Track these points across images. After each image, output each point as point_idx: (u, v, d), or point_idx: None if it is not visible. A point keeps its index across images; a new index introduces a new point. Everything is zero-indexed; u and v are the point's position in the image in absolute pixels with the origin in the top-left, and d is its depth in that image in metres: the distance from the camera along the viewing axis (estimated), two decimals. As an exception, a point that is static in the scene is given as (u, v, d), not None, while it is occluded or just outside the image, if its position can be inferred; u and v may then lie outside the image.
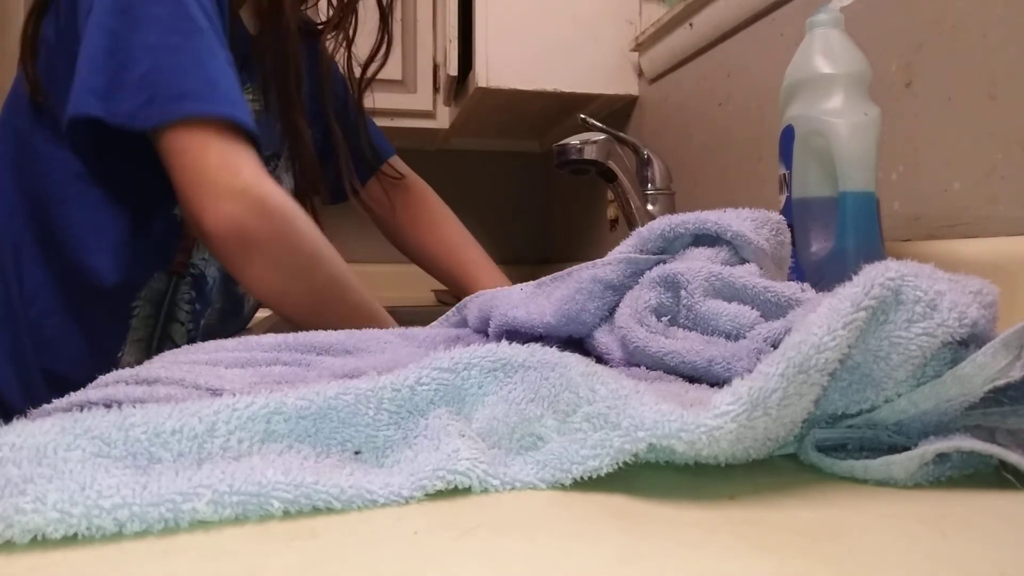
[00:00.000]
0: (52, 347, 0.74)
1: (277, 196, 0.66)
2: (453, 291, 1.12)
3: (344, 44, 0.99)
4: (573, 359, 0.32)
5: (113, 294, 0.75)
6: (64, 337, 0.74)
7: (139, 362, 0.77)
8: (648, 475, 0.29)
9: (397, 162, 1.13)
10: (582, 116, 1.10)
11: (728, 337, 0.40)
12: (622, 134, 1.06)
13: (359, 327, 0.63)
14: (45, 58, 0.73)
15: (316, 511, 0.25)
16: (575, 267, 0.50)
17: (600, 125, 1.07)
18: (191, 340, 0.81)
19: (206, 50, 0.66)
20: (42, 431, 0.26)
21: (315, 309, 0.70)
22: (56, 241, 0.73)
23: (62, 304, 0.74)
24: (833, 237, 0.55)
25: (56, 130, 0.71)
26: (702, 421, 0.26)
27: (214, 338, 0.87)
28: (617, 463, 0.27)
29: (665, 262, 0.46)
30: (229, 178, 0.64)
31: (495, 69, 1.38)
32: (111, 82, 0.64)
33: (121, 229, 0.74)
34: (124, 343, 0.77)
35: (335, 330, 0.59)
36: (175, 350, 0.49)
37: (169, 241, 0.78)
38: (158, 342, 0.80)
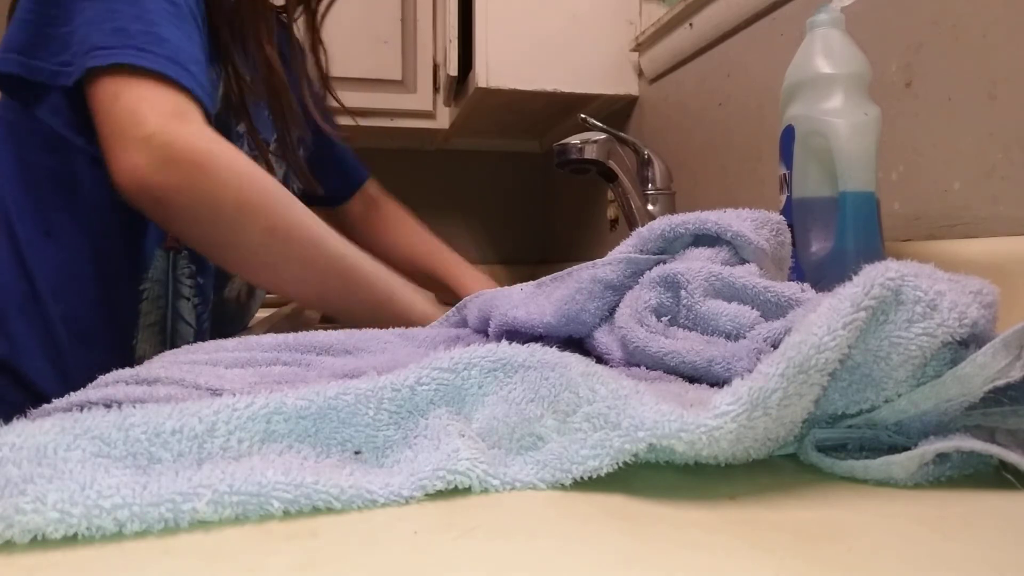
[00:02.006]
0: (82, 340, 0.73)
1: (189, 141, 0.60)
2: (432, 284, 1.11)
3: (309, 24, 0.96)
4: (573, 359, 0.32)
5: (124, 277, 0.75)
6: (89, 330, 0.74)
7: (154, 349, 0.77)
8: (648, 475, 0.29)
9: (372, 185, 1.13)
10: (582, 115, 1.10)
11: (728, 337, 0.40)
12: (622, 134, 1.06)
13: (329, 278, 0.63)
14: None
15: (316, 511, 0.25)
16: (575, 267, 0.50)
17: (600, 125, 1.07)
18: (199, 317, 0.81)
19: (126, 0, 0.63)
20: (42, 431, 0.26)
21: (266, 265, 0.66)
22: (65, 229, 0.72)
23: (85, 298, 0.73)
24: (833, 237, 0.55)
25: (57, 112, 0.70)
26: (702, 421, 0.26)
27: (230, 314, 0.87)
28: (617, 463, 0.27)
29: (665, 262, 0.46)
30: (133, 126, 0.60)
31: (495, 69, 1.38)
32: (37, 36, 0.63)
33: (117, 209, 0.72)
34: (137, 329, 0.77)
35: (302, 287, 0.59)
36: (175, 350, 0.49)
37: None
38: (171, 323, 0.79)
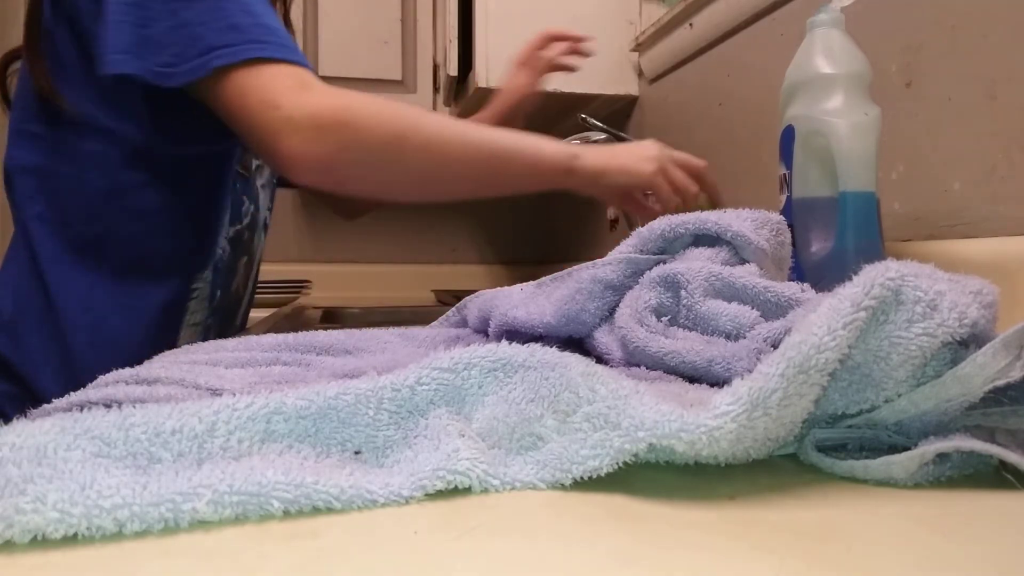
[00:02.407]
0: (111, 349, 0.72)
1: (325, 104, 0.64)
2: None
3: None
4: (573, 359, 0.32)
5: (172, 280, 0.75)
6: (123, 337, 0.73)
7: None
8: (648, 475, 0.29)
9: None
10: (582, 115, 1.10)
11: (728, 337, 0.40)
12: (622, 134, 1.06)
13: (487, 161, 0.68)
14: (53, 53, 0.71)
15: (316, 511, 0.25)
16: (575, 267, 0.50)
17: (600, 125, 1.07)
18: (204, 318, 0.81)
19: None
20: (42, 431, 0.26)
21: (434, 178, 0.71)
22: (103, 241, 0.72)
23: (118, 305, 0.73)
24: (833, 237, 0.55)
25: (83, 125, 0.70)
26: (702, 421, 0.26)
27: (232, 308, 0.87)
28: (617, 463, 0.27)
29: (665, 262, 0.46)
30: (272, 113, 0.63)
31: (495, 69, 1.38)
32: (138, 37, 0.63)
33: (173, 210, 0.74)
34: (181, 327, 0.77)
35: (467, 183, 0.67)
36: (175, 350, 0.49)
37: (220, 211, 0.78)
38: (213, 320, 0.80)
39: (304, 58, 0.67)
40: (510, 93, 1.07)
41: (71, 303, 0.72)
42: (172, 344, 0.75)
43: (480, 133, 0.72)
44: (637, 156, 0.77)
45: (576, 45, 1.09)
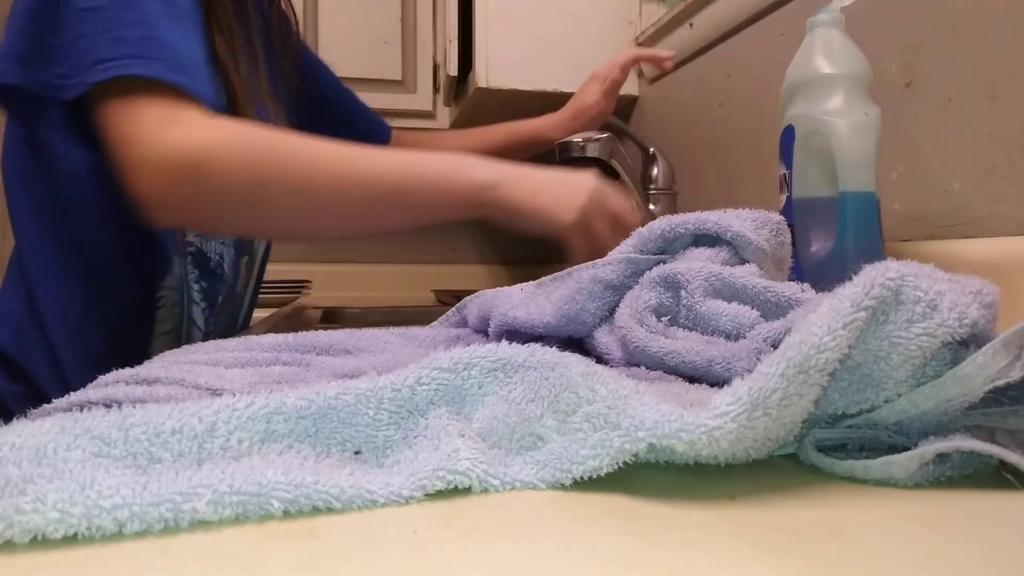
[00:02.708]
0: (89, 356, 0.72)
1: (182, 144, 0.59)
2: (520, 144, 1.09)
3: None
4: (573, 359, 0.32)
5: (141, 286, 0.74)
6: (97, 346, 0.73)
7: None
8: (648, 475, 0.29)
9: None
10: None
11: (728, 337, 0.40)
12: (629, 128, 1.07)
13: (371, 203, 0.61)
14: None
15: (316, 511, 0.25)
16: (575, 267, 0.50)
17: (619, 121, 1.08)
18: (207, 320, 0.80)
19: (124, 4, 0.61)
20: (42, 431, 0.26)
21: (306, 223, 0.65)
22: (75, 248, 0.71)
23: (91, 314, 0.72)
24: (833, 237, 0.55)
25: (53, 128, 0.69)
26: (702, 421, 0.26)
27: (236, 308, 0.86)
28: (617, 463, 0.27)
29: (665, 262, 0.46)
30: (128, 151, 0.59)
31: (495, 69, 1.38)
32: (36, 47, 0.61)
33: (125, 219, 0.71)
34: (152, 338, 0.76)
35: (351, 223, 0.60)
36: (175, 350, 0.49)
37: None
38: (186, 328, 0.78)
39: (200, 80, 0.63)
40: (583, 114, 1.05)
41: (55, 309, 0.71)
42: (143, 353, 0.74)
43: (371, 167, 0.64)
44: (563, 201, 0.67)
45: (662, 64, 1.07)
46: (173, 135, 0.59)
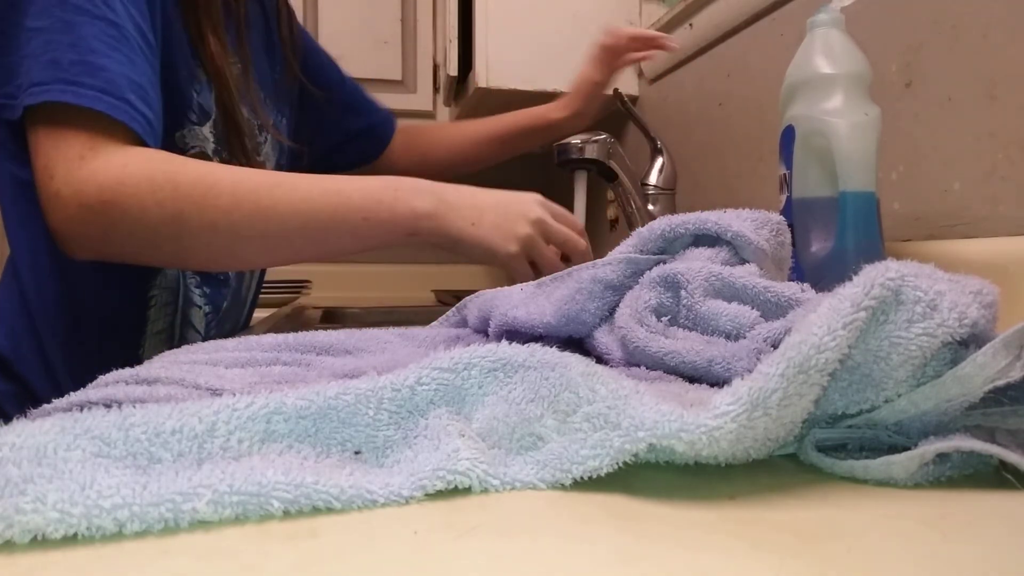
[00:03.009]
0: (83, 356, 0.72)
1: (95, 181, 0.58)
2: (531, 134, 1.08)
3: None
4: (573, 359, 0.32)
5: (130, 286, 0.74)
6: (89, 348, 0.73)
7: None
8: (648, 475, 0.29)
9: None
10: (616, 88, 1.12)
11: (728, 337, 0.40)
12: (640, 115, 1.08)
13: (294, 233, 0.60)
14: None
15: (316, 511, 0.25)
16: (575, 267, 0.50)
17: (628, 104, 1.09)
18: (208, 324, 0.80)
19: (62, 26, 0.59)
20: (42, 431, 0.26)
21: (229, 255, 0.64)
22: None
23: (83, 313, 0.73)
24: (833, 237, 0.55)
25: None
26: (702, 421, 0.26)
27: (239, 309, 0.86)
28: (617, 463, 0.27)
29: (665, 262, 0.46)
30: (45, 185, 0.59)
31: (495, 69, 1.38)
32: None
33: None
34: (144, 337, 0.76)
35: (276, 254, 0.59)
36: (175, 350, 0.49)
37: None
38: (180, 330, 0.78)
39: (128, 107, 0.61)
40: (582, 88, 1.04)
41: (45, 310, 0.71)
42: (134, 353, 0.74)
43: (296, 198, 0.63)
44: (504, 230, 0.66)
45: (661, 42, 1.05)
46: (90, 170, 0.58)
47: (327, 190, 0.64)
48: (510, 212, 0.67)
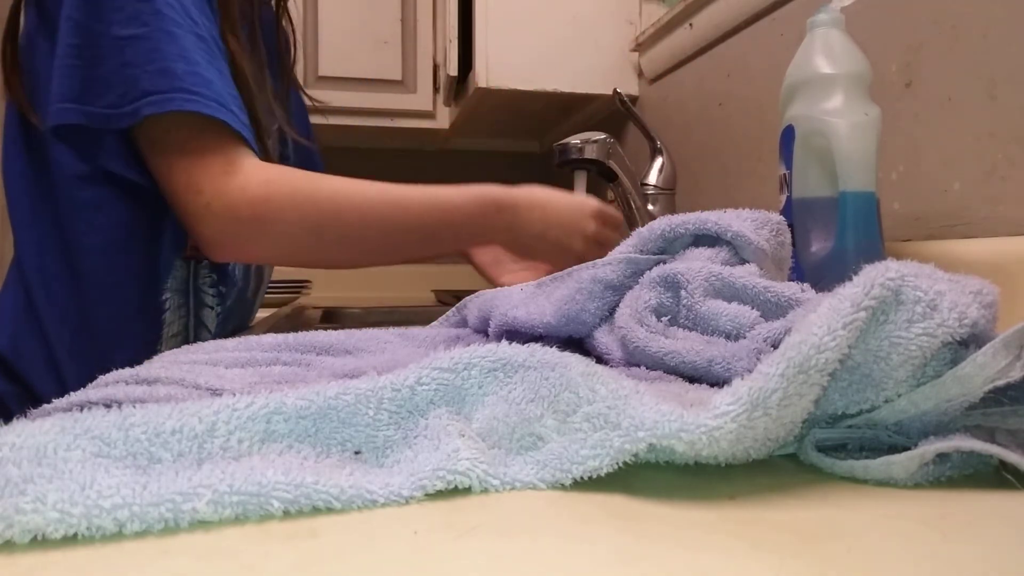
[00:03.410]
0: (90, 358, 0.72)
1: (244, 196, 0.64)
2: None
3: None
4: (573, 359, 0.32)
5: (143, 294, 0.74)
6: (102, 349, 0.73)
7: None
8: (648, 475, 0.29)
9: None
10: (616, 89, 1.12)
11: (728, 337, 0.40)
12: (640, 115, 1.08)
13: (410, 237, 0.70)
14: (31, 64, 0.70)
15: (316, 511, 0.25)
16: (575, 267, 0.50)
17: (627, 103, 1.09)
18: (218, 324, 0.81)
19: (165, 35, 0.63)
20: (42, 431, 0.26)
21: (354, 258, 0.73)
22: (75, 251, 0.71)
23: (92, 316, 0.72)
24: (833, 237, 0.55)
25: (54, 137, 0.69)
26: (702, 421, 0.26)
27: (245, 310, 0.87)
28: (617, 463, 0.27)
29: (665, 262, 0.46)
30: (194, 198, 0.64)
31: (495, 69, 1.38)
32: (85, 81, 0.62)
33: (138, 224, 0.73)
34: (160, 342, 0.77)
35: (394, 255, 0.70)
36: (175, 350, 0.49)
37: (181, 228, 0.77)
38: (194, 332, 0.79)
39: (243, 122, 0.66)
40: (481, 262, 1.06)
41: (52, 311, 0.72)
42: (151, 355, 0.74)
43: (416, 211, 0.71)
44: (563, 246, 0.77)
45: None
46: (238, 185, 0.64)
47: (434, 206, 0.73)
48: (570, 229, 0.78)
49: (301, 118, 1.03)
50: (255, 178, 0.65)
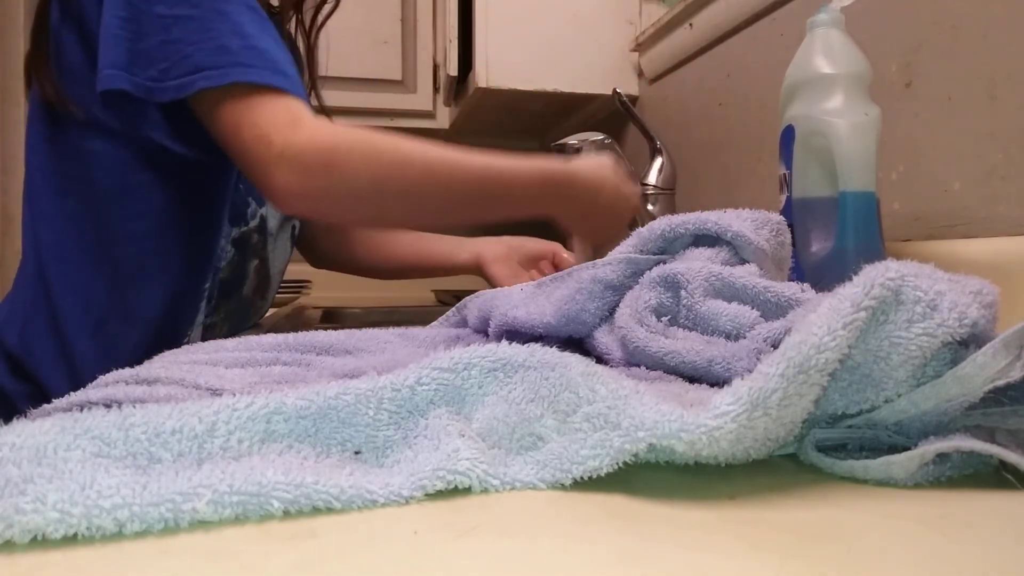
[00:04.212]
0: (113, 351, 0.73)
1: (313, 145, 0.65)
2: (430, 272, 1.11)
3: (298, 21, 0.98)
4: (573, 359, 0.32)
5: (174, 281, 0.75)
6: (123, 340, 0.74)
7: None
8: (648, 475, 0.29)
9: None
10: (616, 89, 1.11)
11: (728, 337, 0.40)
12: (640, 115, 1.08)
13: (469, 196, 0.71)
14: (58, 57, 0.72)
15: (316, 511, 0.25)
16: (575, 267, 0.50)
17: (627, 102, 1.09)
18: (206, 317, 0.81)
19: (216, 14, 0.65)
20: (42, 431, 0.26)
21: (414, 213, 0.74)
22: (106, 242, 0.72)
23: (118, 308, 0.73)
24: (833, 237, 0.55)
25: (91, 125, 0.70)
26: (702, 421, 0.26)
27: (244, 311, 0.88)
28: (617, 463, 0.27)
29: (665, 262, 0.46)
30: (264, 150, 0.65)
31: (495, 69, 1.38)
32: (131, 52, 0.64)
33: (179, 209, 0.74)
34: (190, 328, 0.78)
35: (450, 215, 0.72)
36: (175, 350, 0.49)
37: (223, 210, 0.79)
38: (225, 324, 0.81)
39: (296, 82, 0.68)
40: (486, 260, 1.07)
41: (73, 305, 0.72)
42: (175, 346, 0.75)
43: (476, 170, 0.72)
44: (606, 232, 0.80)
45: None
46: (308, 135, 0.65)
47: (495, 171, 0.73)
48: (614, 215, 0.81)
49: None
50: (323, 130, 0.66)
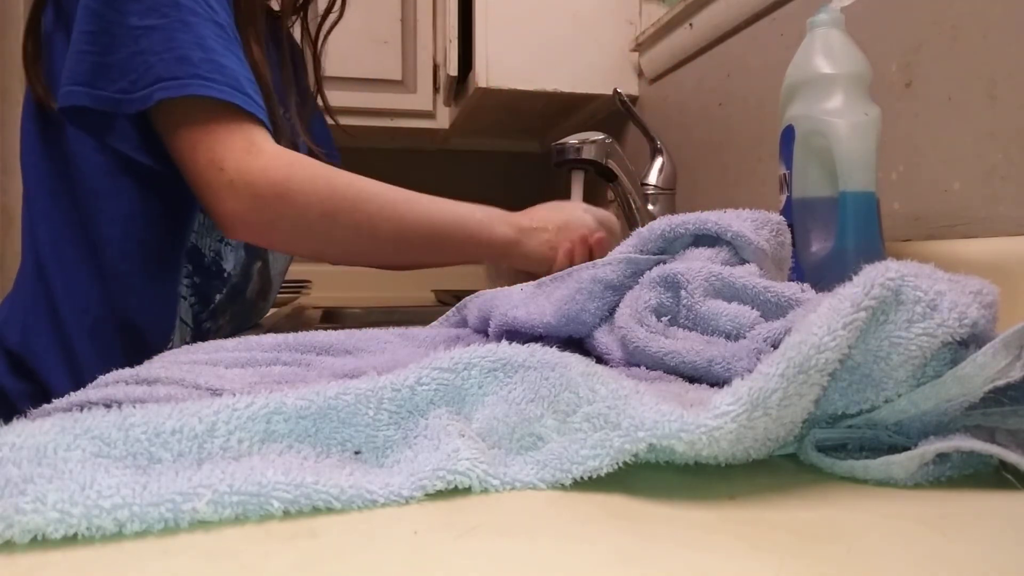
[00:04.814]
0: (109, 351, 0.73)
1: (267, 175, 0.65)
2: None
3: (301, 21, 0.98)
4: (573, 359, 0.32)
5: (156, 283, 0.75)
6: (118, 340, 0.74)
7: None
8: (648, 475, 0.29)
9: None
10: (615, 88, 1.11)
11: (728, 337, 0.40)
12: (640, 115, 1.08)
13: (419, 242, 0.71)
14: (49, 59, 0.72)
15: (316, 511, 0.25)
16: (575, 267, 0.50)
17: (627, 102, 1.08)
18: (196, 316, 0.81)
19: (181, 25, 0.64)
20: (42, 431, 0.26)
21: (361, 253, 0.73)
22: (93, 242, 0.73)
23: (111, 307, 0.73)
24: (833, 237, 0.55)
25: (71, 128, 0.70)
26: (702, 421, 0.26)
27: (247, 311, 0.88)
28: (617, 463, 0.27)
29: (665, 262, 0.46)
30: (216, 175, 0.64)
31: (495, 69, 1.38)
32: (96, 66, 0.64)
33: (154, 214, 0.74)
34: (172, 331, 0.78)
35: (400, 257, 0.71)
36: (175, 350, 0.49)
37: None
38: (228, 324, 0.81)
39: (258, 104, 0.67)
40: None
41: (71, 304, 0.72)
42: (158, 351, 0.75)
43: (425, 214, 0.72)
44: (578, 255, 0.78)
45: None
46: (260, 164, 0.65)
47: (443, 210, 0.74)
48: (576, 236, 0.79)
49: (325, 141, 1.04)
50: (277, 160, 0.66)
